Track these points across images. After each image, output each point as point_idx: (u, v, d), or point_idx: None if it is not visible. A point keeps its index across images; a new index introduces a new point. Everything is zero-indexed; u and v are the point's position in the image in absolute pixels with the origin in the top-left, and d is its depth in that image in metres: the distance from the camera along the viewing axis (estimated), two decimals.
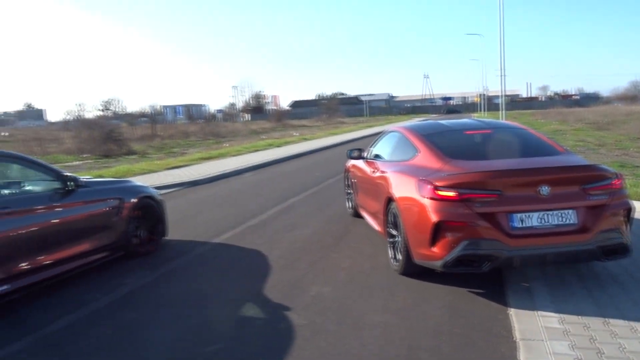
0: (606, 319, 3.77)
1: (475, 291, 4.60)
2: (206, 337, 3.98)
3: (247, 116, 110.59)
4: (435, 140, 5.46)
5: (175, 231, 7.37)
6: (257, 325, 4.16)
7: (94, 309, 4.72)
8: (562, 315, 3.87)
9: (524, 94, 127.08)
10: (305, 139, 30.73)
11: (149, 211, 6.58)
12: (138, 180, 13.26)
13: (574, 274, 4.76)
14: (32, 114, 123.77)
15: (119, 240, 6.03)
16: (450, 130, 5.90)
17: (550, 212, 4.32)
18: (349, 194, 8.13)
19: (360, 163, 7.17)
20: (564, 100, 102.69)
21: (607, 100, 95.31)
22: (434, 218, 4.38)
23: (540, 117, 46.12)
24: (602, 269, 4.85)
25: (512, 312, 4.04)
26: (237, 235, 7.15)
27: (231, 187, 12.23)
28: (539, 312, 3.96)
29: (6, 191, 5.28)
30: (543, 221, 4.31)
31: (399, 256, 5.07)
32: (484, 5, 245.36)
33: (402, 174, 5.26)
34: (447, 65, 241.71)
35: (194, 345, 3.86)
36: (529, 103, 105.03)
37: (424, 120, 6.58)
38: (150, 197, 6.68)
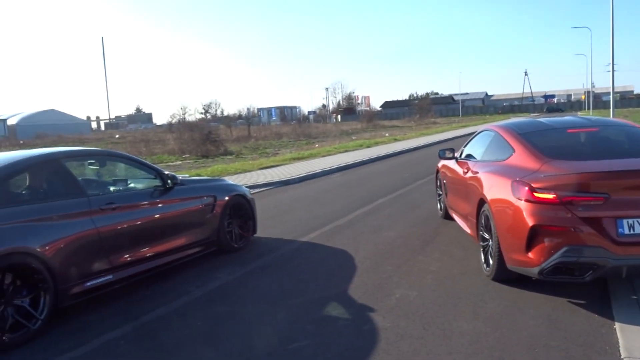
0: None
1: (576, 302, 4.26)
2: (290, 334, 4.03)
3: (338, 117, 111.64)
4: (532, 139, 5.11)
5: (265, 229, 7.55)
6: (340, 325, 4.14)
7: (188, 301, 4.94)
8: None
9: (637, 90, 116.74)
10: (396, 140, 30.41)
11: (240, 209, 6.80)
12: (232, 180, 13.88)
13: None
14: (142, 118, 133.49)
15: (212, 236, 6.29)
16: (551, 129, 5.53)
17: None
18: (440, 195, 7.92)
19: (451, 163, 6.95)
20: None
21: None
22: (530, 222, 4.12)
23: None
24: None
25: (618, 326, 3.69)
26: (324, 234, 7.19)
27: (320, 187, 12.36)
28: None
29: (112, 188, 5.69)
30: None
31: (491, 261, 4.82)
32: None
33: (496, 174, 5.00)
34: (548, 62, 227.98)
35: (278, 341, 3.92)
36: None
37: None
38: (242, 196, 6.90)
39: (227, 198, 6.55)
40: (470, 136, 7.11)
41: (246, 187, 12.59)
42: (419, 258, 5.78)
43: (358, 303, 4.55)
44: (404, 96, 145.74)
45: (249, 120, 56.54)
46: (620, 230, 3.92)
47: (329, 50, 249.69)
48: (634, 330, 3.57)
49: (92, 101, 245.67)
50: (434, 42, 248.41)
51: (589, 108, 69.09)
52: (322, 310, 4.48)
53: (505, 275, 4.69)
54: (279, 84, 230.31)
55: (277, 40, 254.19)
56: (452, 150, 7.04)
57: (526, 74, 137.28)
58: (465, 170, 6.05)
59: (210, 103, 75.86)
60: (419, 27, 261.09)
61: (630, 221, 3.92)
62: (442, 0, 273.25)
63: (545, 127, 5.60)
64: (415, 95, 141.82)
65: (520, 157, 4.87)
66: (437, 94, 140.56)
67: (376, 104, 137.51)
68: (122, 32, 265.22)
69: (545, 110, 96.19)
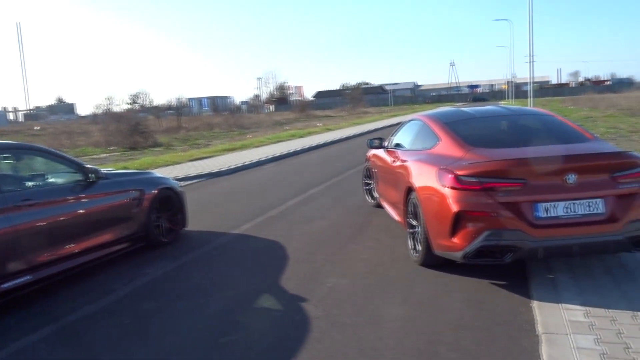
0: (635, 312, 3.61)
1: (498, 283, 4.48)
2: (222, 327, 3.97)
3: (271, 107, 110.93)
4: (456, 128, 5.29)
5: (195, 222, 7.38)
6: (273, 317, 4.12)
7: (114, 299, 4.75)
8: (587, 308, 3.73)
9: (554, 80, 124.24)
10: (329, 129, 30.63)
11: (169, 202, 6.61)
12: (162, 172, 13.45)
13: (600, 265, 4.58)
14: (64, 108, 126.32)
15: (140, 231, 6.07)
16: (473, 118, 5.75)
17: (577, 202, 4.14)
18: (367, 184, 8.05)
19: (380, 152, 7.06)
20: (596, 86, 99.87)
21: None
22: (454, 208, 4.26)
23: (570, 103, 45.02)
24: (631, 259, 4.66)
25: (535, 304, 3.91)
26: (256, 226, 7.13)
27: (252, 179, 12.24)
28: (563, 305, 3.82)
29: (29, 183, 5.34)
30: (569, 211, 4.14)
31: (419, 247, 4.98)
32: None
33: (423, 163, 5.13)
34: (473, 53, 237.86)
35: (210, 335, 3.85)
36: (559, 89, 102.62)
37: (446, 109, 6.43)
38: (171, 189, 6.70)
39: (154, 191, 6.33)
40: (399, 125, 7.27)
41: (176, 179, 12.25)
42: (351, 247, 5.86)
43: (290, 294, 4.55)
44: (336, 86, 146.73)
45: (179, 110, 54.84)
46: (537, 213, 4.12)
47: (261, 40, 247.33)
48: (550, 307, 3.80)
49: (9, 91, 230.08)
50: (365, 33, 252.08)
51: (511, 97, 72.67)
52: (255, 303, 4.45)
53: (432, 261, 4.84)
54: (211, 73, 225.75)
55: (208, 28, 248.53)
56: (381, 140, 7.17)
57: (452, 64, 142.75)
58: (394, 159, 6.17)
59: (138, 93, 72.76)
60: (351, 17, 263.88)
61: (546, 205, 4.13)
62: None
63: (468, 116, 5.81)
64: (347, 85, 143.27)
65: (445, 146, 5.02)
66: (368, 84, 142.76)
67: (309, 94, 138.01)
68: (41, 16, 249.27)
69: (470, 99, 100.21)
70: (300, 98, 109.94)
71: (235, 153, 18.13)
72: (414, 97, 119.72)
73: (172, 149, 22.94)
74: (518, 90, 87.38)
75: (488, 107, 6.43)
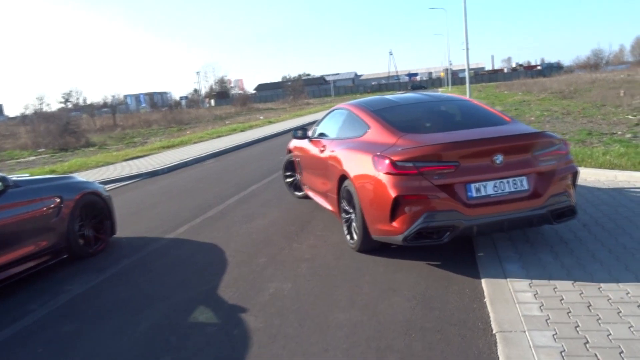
0: (590, 303, 3.46)
1: (447, 277, 4.27)
2: (151, 349, 3.53)
3: (212, 102, 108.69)
4: (384, 115, 5.35)
5: (127, 227, 6.84)
6: (208, 333, 3.71)
7: (29, 323, 4.21)
8: (542, 300, 3.55)
9: (488, 67, 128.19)
10: (270, 122, 30.11)
11: (94, 208, 6.04)
12: (94, 174, 12.63)
13: (550, 253, 4.45)
14: None
15: (61, 242, 5.50)
16: (398, 105, 5.78)
17: (504, 180, 4.34)
18: (289, 176, 7.87)
19: (305, 143, 6.90)
20: (528, 71, 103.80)
21: (569, 70, 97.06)
22: (392, 193, 4.29)
23: (504, 88, 46.39)
24: (586, 244, 4.56)
25: (488, 300, 3.70)
26: (193, 228, 6.66)
27: (191, 176, 11.66)
28: (518, 298, 3.62)
29: None
30: (498, 189, 4.34)
31: (355, 234, 4.97)
32: None
33: (355, 150, 5.10)
34: (411, 42, 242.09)
35: (139, 357, 3.41)
36: (494, 75, 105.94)
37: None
38: (95, 193, 6.13)
39: (76, 197, 5.75)
40: (324, 115, 7.04)
41: (109, 180, 11.59)
42: (294, 246, 5.52)
43: (229, 303, 4.17)
44: (278, 78, 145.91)
45: (115, 108, 52.68)
46: (469, 193, 4.28)
47: (199, 34, 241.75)
48: (503, 302, 3.59)
49: None
50: (305, 24, 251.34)
51: (448, 84, 74.38)
52: (189, 317, 4.02)
53: (369, 246, 4.88)
54: (148, 69, 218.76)
55: (143, 22, 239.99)
56: (305, 130, 7.02)
57: (391, 53, 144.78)
58: (322, 149, 6.04)
59: (71, 91, 69.10)
60: (290, 9, 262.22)
61: (477, 185, 4.29)
62: None
63: (393, 103, 5.81)
64: (288, 77, 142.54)
65: (377, 133, 5.03)
66: (309, 75, 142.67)
67: (250, 87, 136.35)
68: None
69: (410, 87, 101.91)
70: (241, 91, 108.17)
71: (174, 150, 17.39)
72: (354, 87, 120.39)
73: (106, 148, 21.84)
74: (455, 77, 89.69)
75: (410, 95, 6.50)
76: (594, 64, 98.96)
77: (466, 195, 4.27)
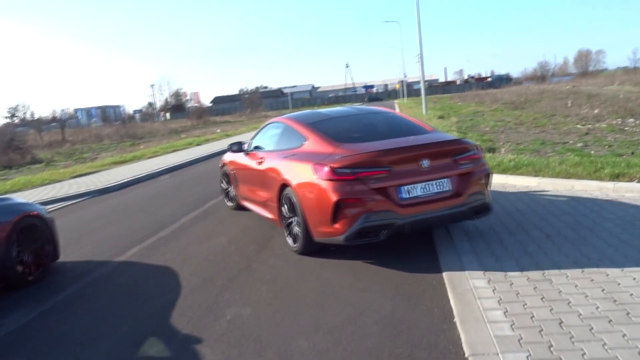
0: (561, 319, 3.34)
1: (414, 294, 4.09)
2: None
3: (167, 115, 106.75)
4: (320, 127, 5.80)
5: (72, 251, 6.39)
6: None
7: None
8: (512, 319, 3.41)
9: (441, 79, 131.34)
10: (228, 135, 29.62)
11: (34, 232, 5.58)
12: (40, 192, 11.93)
13: (515, 266, 4.34)
14: None
15: None
16: (331, 118, 6.24)
17: (431, 182, 4.86)
18: (226, 188, 8.27)
19: (240, 156, 7.29)
20: (479, 82, 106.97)
21: (518, 81, 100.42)
22: (333, 197, 4.68)
23: (458, 100, 47.45)
24: (551, 256, 4.48)
25: (458, 320, 3.54)
26: (145, 250, 6.27)
27: (144, 194, 11.17)
28: (488, 317, 3.47)
29: None
30: (425, 190, 4.85)
31: (297, 238, 5.33)
32: None
33: (295, 160, 5.45)
34: (367, 54, 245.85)
35: None
36: (447, 87, 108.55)
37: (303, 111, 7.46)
38: (35, 216, 5.67)
39: (13, 220, 5.29)
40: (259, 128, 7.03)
41: (56, 199, 10.95)
42: (253, 266, 5.24)
43: (182, 334, 3.85)
44: (235, 91, 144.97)
45: (64, 122, 50.84)
46: (401, 195, 4.75)
47: (153, 45, 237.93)
48: (473, 322, 3.43)
49: None
50: (261, 36, 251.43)
51: (404, 96, 75.61)
52: (137, 353, 3.67)
53: (312, 248, 5.26)
54: (100, 82, 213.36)
55: (94, 34, 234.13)
56: (240, 144, 7.44)
57: (347, 66, 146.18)
58: (259, 161, 6.40)
59: (17, 106, 66.16)
60: (246, 21, 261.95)
61: (408, 187, 4.77)
62: None
63: (326, 116, 6.29)
64: (245, 89, 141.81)
65: (314, 144, 5.46)
66: (266, 87, 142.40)
67: (206, 100, 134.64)
68: None
69: (366, 99, 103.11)
70: (197, 104, 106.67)
71: (126, 166, 16.75)
72: (312, 99, 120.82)
73: (54, 165, 20.89)
74: (410, 89, 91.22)
75: (339, 108, 7.02)
76: (540, 75, 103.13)
77: (399, 196, 4.74)
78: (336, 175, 4.72)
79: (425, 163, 4.80)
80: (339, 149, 5.08)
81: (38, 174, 16.15)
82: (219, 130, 37.13)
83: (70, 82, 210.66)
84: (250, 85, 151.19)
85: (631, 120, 15.20)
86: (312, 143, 5.49)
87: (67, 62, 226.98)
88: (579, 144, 11.37)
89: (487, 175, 5.21)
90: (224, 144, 22.79)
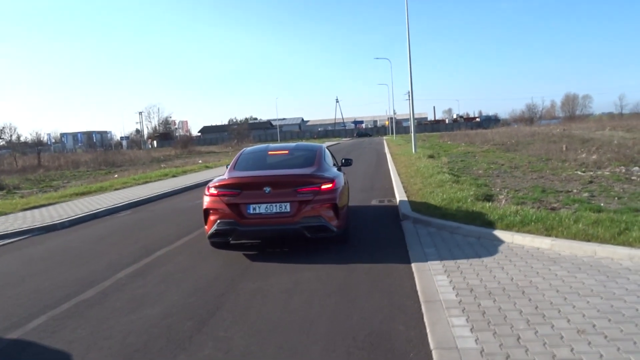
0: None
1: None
2: None
3: (154, 143, 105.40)
4: (243, 156, 8.14)
5: None
6: None
7: None
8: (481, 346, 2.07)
9: (430, 117, 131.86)
10: (208, 167, 28.25)
11: None
12: None
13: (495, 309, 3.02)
14: None
15: None
16: (261, 150, 8.52)
17: (273, 204, 6.51)
18: None
19: None
20: (468, 122, 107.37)
21: (506, 122, 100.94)
22: (204, 206, 6.79)
23: (448, 139, 46.75)
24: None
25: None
26: (54, 321, 4.83)
27: (92, 234, 9.70)
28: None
29: None
30: (268, 209, 6.52)
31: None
32: (392, 31, 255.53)
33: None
34: (357, 90, 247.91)
35: None
36: (436, 125, 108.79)
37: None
38: None
39: None
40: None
41: None
42: (181, 358, 3.85)
43: None
44: (224, 121, 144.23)
45: (40, 146, 49.18)
46: (248, 211, 6.56)
47: (143, 74, 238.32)
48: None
49: None
50: (253, 69, 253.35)
51: (392, 132, 75.12)
52: None
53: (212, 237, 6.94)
54: (88, 107, 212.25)
55: (85, 59, 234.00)
56: None
57: (337, 101, 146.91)
58: None
59: (4, 128, 64.28)
60: (238, 53, 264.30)
61: (254, 206, 6.54)
62: (258, 31, 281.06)
63: (259, 149, 8.61)
64: (235, 120, 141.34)
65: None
66: (256, 119, 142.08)
67: (195, 129, 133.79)
68: None
69: (355, 135, 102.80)
70: (186, 133, 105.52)
71: (88, 198, 15.28)
72: (301, 132, 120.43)
73: (15, 193, 19.32)
74: (399, 126, 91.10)
75: (282, 144, 9.35)
76: (528, 117, 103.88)
77: (246, 211, 6.56)
78: (209, 192, 6.83)
79: (267, 189, 6.54)
80: (226, 175, 7.22)
81: None
82: (200, 161, 35.74)
83: (58, 106, 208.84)
84: (240, 116, 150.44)
85: (636, 168, 14.16)
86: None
87: (57, 87, 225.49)
88: (585, 194, 10.21)
89: (332, 205, 6.58)
90: (203, 176, 21.41)
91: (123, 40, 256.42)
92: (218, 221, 6.51)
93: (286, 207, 6.46)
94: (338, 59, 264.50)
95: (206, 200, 6.72)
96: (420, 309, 4.50)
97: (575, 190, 10.80)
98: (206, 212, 6.68)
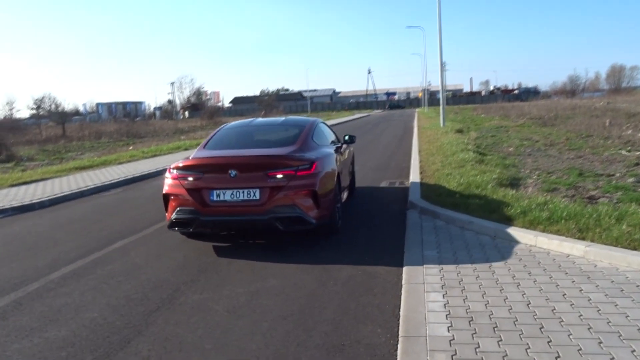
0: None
1: None
2: None
3: (186, 114, 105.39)
4: (220, 132, 7.11)
5: None
6: None
7: None
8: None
9: (466, 89, 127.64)
10: None
11: None
12: None
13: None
14: None
15: None
16: (242, 126, 7.45)
17: (240, 190, 5.57)
18: None
19: None
20: (505, 94, 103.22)
21: (546, 95, 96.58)
22: (164, 191, 5.92)
23: (481, 111, 44.45)
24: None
25: None
26: None
27: (63, 216, 8.74)
28: None
29: None
30: (234, 196, 5.59)
31: None
32: None
33: None
34: (390, 60, 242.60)
35: None
36: (472, 97, 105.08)
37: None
38: None
39: None
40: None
41: None
42: None
43: None
44: (256, 92, 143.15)
45: (64, 117, 49.28)
46: (211, 197, 5.64)
47: (177, 44, 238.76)
48: None
49: None
50: (285, 39, 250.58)
51: (425, 105, 72.70)
52: None
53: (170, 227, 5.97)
54: (126, 77, 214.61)
55: (121, 29, 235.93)
56: None
57: (369, 72, 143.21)
58: None
59: (44, 97, 64.89)
60: (270, 23, 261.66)
61: (218, 192, 5.63)
62: (290, 1, 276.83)
63: (241, 124, 7.57)
64: (266, 91, 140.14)
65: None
66: (287, 90, 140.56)
67: (227, 100, 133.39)
68: None
69: (387, 107, 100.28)
70: (218, 104, 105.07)
71: (85, 172, 14.46)
72: (332, 103, 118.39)
73: (23, 164, 18.77)
74: (433, 98, 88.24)
75: (270, 119, 8.24)
76: (570, 90, 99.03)
77: (209, 198, 5.63)
78: (170, 174, 5.87)
79: (233, 173, 5.55)
80: (193, 154, 6.22)
81: None
82: None
83: (97, 77, 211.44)
84: (272, 87, 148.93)
85: None
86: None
87: (95, 58, 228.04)
88: (630, 179, 8.68)
89: (311, 192, 5.57)
90: None
91: (159, 11, 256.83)
92: (177, 209, 5.65)
93: (255, 194, 5.51)
94: (370, 28, 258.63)
95: (166, 184, 5.84)
96: (396, 350, 3.28)
97: (618, 174, 9.25)
98: (165, 198, 5.83)
